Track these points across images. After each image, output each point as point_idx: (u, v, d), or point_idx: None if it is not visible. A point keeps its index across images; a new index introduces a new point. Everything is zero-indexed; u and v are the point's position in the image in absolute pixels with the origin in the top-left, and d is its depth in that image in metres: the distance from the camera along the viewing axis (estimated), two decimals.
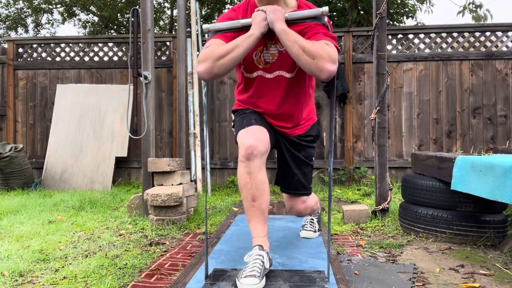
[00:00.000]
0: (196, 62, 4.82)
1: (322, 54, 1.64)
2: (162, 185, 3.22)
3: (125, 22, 11.05)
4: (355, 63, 5.24)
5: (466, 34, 5.17)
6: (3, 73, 5.66)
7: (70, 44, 5.66)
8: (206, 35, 1.94)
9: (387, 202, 3.12)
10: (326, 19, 1.76)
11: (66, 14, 11.96)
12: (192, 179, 4.62)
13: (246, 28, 1.77)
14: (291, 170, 2.10)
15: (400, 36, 5.29)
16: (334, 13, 7.50)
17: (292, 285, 1.60)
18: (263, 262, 1.64)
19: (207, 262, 1.72)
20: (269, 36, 1.85)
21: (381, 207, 3.10)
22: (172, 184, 3.21)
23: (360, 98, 5.23)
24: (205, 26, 1.82)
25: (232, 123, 2.11)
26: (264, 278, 1.62)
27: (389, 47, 5.26)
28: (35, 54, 5.68)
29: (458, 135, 5.12)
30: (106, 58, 5.62)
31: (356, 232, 2.81)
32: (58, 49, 5.66)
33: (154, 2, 10.88)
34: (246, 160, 1.71)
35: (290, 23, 1.77)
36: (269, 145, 1.84)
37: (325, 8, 1.76)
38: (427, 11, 10.66)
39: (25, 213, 3.42)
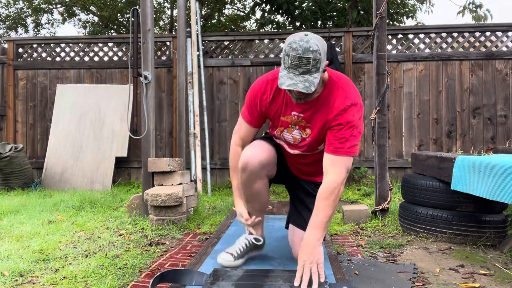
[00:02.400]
0: (195, 62, 4.83)
1: (338, 199, 1.75)
2: (162, 185, 3.22)
3: (125, 22, 11.05)
4: (355, 63, 5.24)
5: (466, 34, 5.17)
6: (3, 73, 5.66)
7: (70, 44, 5.66)
8: None
9: (387, 202, 3.12)
10: None
11: (66, 14, 11.95)
12: (192, 179, 4.62)
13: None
14: (307, 206, 1.98)
15: (400, 36, 5.29)
16: (334, 13, 7.49)
17: (292, 285, 1.60)
18: (247, 246, 1.86)
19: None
20: (292, 122, 1.85)
21: (381, 207, 3.10)
22: (172, 184, 3.21)
23: None
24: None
25: None
26: (242, 259, 1.85)
27: (389, 47, 5.25)
28: (35, 54, 5.68)
29: (458, 135, 5.12)
30: (106, 58, 5.62)
31: (356, 232, 2.81)
32: (58, 49, 5.66)
33: (154, 2, 10.88)
34: (242, 171, 1.86)
35: (318, 113, 1.76)
36: (267, 161, 1.87)
37: None
38: (427, 11, 10.66)
39: (25, 213, 3.42)
